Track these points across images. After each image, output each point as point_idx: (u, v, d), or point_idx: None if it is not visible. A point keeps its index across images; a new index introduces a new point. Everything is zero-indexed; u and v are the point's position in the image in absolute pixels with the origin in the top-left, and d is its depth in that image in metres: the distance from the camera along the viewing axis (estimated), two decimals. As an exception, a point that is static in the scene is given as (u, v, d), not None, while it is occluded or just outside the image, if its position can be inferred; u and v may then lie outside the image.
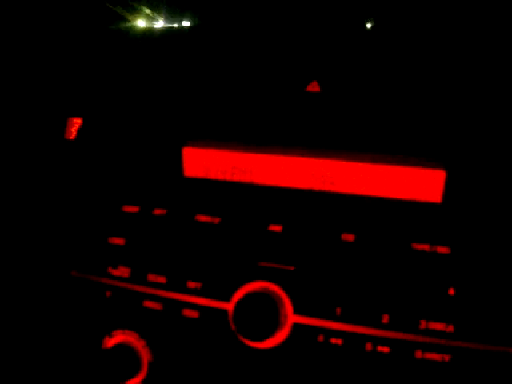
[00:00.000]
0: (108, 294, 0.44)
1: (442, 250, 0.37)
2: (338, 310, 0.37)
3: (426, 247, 0.37)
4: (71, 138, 0.54)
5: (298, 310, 0.38)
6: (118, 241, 0.43)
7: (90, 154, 0.50)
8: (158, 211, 0.43)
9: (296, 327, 0.38)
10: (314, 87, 0.45)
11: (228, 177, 0.44)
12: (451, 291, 0.36)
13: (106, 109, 0.50)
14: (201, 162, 0.45)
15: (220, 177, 0.44)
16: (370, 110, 0.42)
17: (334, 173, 0.41)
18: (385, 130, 0.41)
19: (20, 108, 0.57)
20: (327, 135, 0.42)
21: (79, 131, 0.53)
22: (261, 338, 0.37)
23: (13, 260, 0.50)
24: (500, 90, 0.40)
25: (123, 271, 0.43)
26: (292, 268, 0.39)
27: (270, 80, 0.45)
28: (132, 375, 0.42)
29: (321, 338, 0.38)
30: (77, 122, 0.55)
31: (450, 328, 0.36)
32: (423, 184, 0.40)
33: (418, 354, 0.36)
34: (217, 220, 0.41)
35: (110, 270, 0.43)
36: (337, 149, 0.42)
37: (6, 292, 0.51)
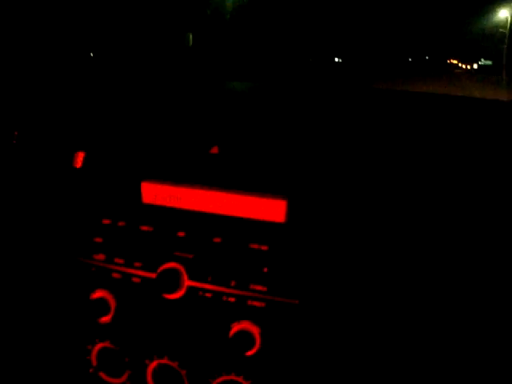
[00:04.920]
0: (93, 269, 0.77)
1: (264, 248, 0.69)
2: (210, 278, 0.70)
3: (255, 246, 0.69)
4: (77, 166, 0.85)
5: (190, 278, 0.70)
6: (98, 240, 0.76)
7: (86, 179, 0.82)
8: (121, 223, 0.75)
9: (189, 287, 0.70)
10: (215, 150, 0.78)
11: (165, 202, 0.76)
12: (265, 270, 0.68)
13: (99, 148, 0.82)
14: (151, 192, 0.77)
15: (161, 202, 0.76)
16: (242, 166, 0.74)
17: (220, 201, 0.71)
18: (252, 178, 0.72)
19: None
20: (221, 179, 0.73)
21: (83, 162, 0.85)
22: (170, 292, 0.70)
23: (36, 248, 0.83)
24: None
25: (101, 256, 0.76)
26: (191, 256, 0.72)
27: (190, 146, 0.77)
28: (105, 314, 0.75)
29: (200, 293, 0.70)
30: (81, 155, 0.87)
31: (264, 289, 0.68)
32: (275, 209, 0.71)
33: (249, 302, 0.68)
34: (151, 228, 0.74)
35: (94, 256, 0.76)
36: (224, 187, 0.71)
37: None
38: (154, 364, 0.75)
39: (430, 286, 0.65)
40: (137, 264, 0.73)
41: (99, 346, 0.77)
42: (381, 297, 0.66)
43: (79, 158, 0.84)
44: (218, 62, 1.10)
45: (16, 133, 0.91)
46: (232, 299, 0.69)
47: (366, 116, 0.78)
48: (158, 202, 0.74)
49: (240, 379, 0.70)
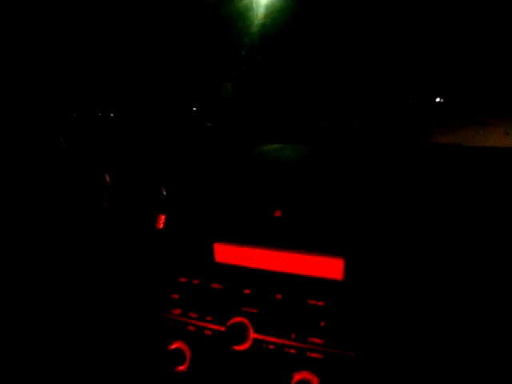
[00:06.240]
0: (171, 322, 0.87)
1: (321, 303, 0.75)
2: (272, 332, 0.77)
3: (313, 302, 0.76)
4: (160, 227, 0.96)
5: (256, 331, 0.78)
6: (176, 296, 0.86)
7: (166, 240, 0.93)
8: (195, 281, 0.85)
9: (254, 340, 0.78)
10: (278, 213, 0.86)
11: (234, 261, 0.85)
12: (322, 323, 0.75)
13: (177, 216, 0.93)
14: (222, 253, 0.86)
15: (230, 261, 0.85)
16: (304, 229, 0.82)
17: (283, 259, 0.78)
18: (312, 240, 0.79)
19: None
20: (284, 240, 0.81)
21: (164, 224, 0.96)
22: (238, 344, 0.78)
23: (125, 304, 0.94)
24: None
25: (178, 311, 0.86)
26: (256, 311, 0.80)
27: (254, 212, 0.86)
28: (182, 363, 0.84)
29: (264, 345, 0.78)
30: (163, 218, 0.98)
31: (322, 341, 0.74)
32: (332, 268, 0.78)
33: (308, 354, 0.75)
34: (221, 286, 0.83)
35: (171, 310, 0.87)
36: (287, 247, 0.79)
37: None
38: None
39: (494, 339, 0.68)
40: (209, 318, 0.82)
41: (176, 393, 0.86)
42: (435, 354, 0.71)
43: (161, 221, 0.95)
44: (264, 118, 1.15)
45: (106, 197, 1.05)
46: (293, 351, 0.75)
47: (424, 175, 0.82)
48: (228, 261, 0.83)
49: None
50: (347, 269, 0.75)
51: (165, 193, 0.98)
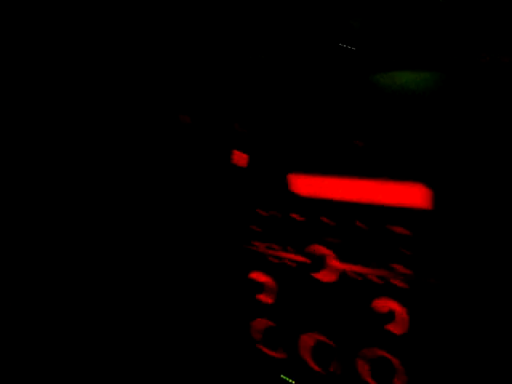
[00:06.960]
0: (252, 253, 0.88)
1: (407, 232, 0.73)
2: (355, 260, 0.76)
3: (401, 230, 0.73)
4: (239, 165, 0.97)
5: (338, 260, 0.78)
6: (257, 229, 0.87)
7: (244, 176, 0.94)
8: (272, 212, 0.85)
9: (336, 269, 0.79)
10: (359, 143, 0.83)
11: (311, 193, 0.84)
12: (408, 252, 0.72)
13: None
14: (300, 184, 0.85)
15: (309, 192, 0.84)
16: (392, 156, 0.78)
17: (366, 189, 0.76)
18: (401, 168, 0.77)
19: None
20: (366, 169, 0.80)
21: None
22: (318, 272, 0.78)
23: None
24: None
25: (258, 243, 0.87)
26: (337, 240, 0.79)
27: (334, 141, 0.84)
28: (262, 292, 0.85)
29: (347, 274, 0.77)
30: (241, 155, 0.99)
31: (407, 270, 0.72)
32: (418, 196, 0.75)
33: (392, 281, 0.74)
34: (302, 218, 0.82)
35: (252, 242, 0.88)
36: (373, 176, 0.77)
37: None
38: (306, 338, 0.83)
39: None
40: (289, 249, 0.82)
41: (259, 322, 0.88)
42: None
43: (239, 156, 0.95)
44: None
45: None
46: (376, 279, 0.74)
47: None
48: (307, 192, 0.82)
49: (385, 353, 0.75)
50: (436, 197, 0.71)
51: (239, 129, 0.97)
